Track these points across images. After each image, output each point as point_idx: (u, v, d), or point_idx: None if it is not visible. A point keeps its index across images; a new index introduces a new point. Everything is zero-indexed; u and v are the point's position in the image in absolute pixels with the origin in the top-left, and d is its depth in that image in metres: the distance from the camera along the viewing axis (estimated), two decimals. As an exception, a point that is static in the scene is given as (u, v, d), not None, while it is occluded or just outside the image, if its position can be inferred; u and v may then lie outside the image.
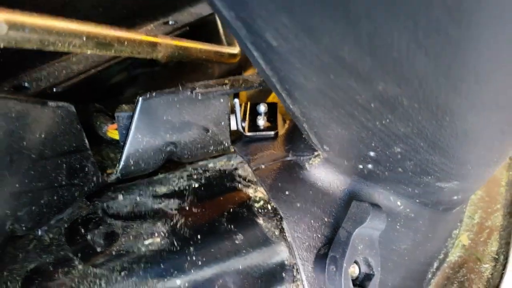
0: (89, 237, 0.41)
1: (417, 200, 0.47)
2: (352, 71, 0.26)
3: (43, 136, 0.38)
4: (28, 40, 0.31)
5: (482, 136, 0.32)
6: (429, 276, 0.58)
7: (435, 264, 0.57)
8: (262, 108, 0.51)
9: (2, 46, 0.30)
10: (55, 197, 0.41)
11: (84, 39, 0.35)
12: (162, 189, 0.45)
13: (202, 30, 0.63)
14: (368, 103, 0.29)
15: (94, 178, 0.44)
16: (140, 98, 0.43)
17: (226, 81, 0.46)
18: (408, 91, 0.26)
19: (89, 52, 0.36)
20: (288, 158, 0.47)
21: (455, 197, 0.46)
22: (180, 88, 0.44)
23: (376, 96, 0.28)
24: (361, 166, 0.41)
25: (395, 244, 0.47)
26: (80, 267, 0.38)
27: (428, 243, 0.53)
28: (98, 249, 0.40)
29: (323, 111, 0.32)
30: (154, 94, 0.43)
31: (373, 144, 0.35)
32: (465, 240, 0.67)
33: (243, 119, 0.51)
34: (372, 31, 0.22)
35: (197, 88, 0.45)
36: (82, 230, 0.41)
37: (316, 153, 0.45)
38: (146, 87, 0.70)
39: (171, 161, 0.49)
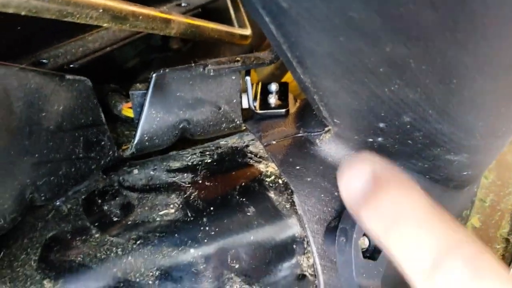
0: (105, 207, 0.42)
1: (427, 176, 0.47)
2: (362, 32, 0.27)
3: (61, 108, 0.39)
4: (47, 9, 0.32)
5: (489, 101, 0.33)
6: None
7: (446, 244, 0.58)
8: (273, 87, 0.52)
9: (23, 14, 0.31)
10: (73, 169, 0.42)
11: (101, 11, 0.36)
12: (175, 164, 0.47)
13: (214, 13, 0.64)
14: (377, 67, 0.30)
15: (110, 152, 0.45)
16: (154, 74, 0.44)
17: (238, 58, 0.47)
18: (415, 51, 0.27)
19: (105, 25, 0.37)
20: (299, 135, 0.48)
21: (465, 173, 0.46)
22: (193, 65, 0.46)
23: (385, 59, 0.29)
24: (371, 140, 0.42)
25: (405, 220, 0.48)
26: (97, 235, 0.40)
27: (438, 221, 0.53)
28: (115, 219, 0.41)
29: (334, 79, 0.33)
30: (167, 70, 0.45)
31: (382, 114, 0.36)
32: (476, 222, 0.67)
33: (255, 98, 0.52)
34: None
35: (209, 65, 0.46)
36: (99, 201, 0.43)
37: (326, 129, 0.46)
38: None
39: (184, 139, 0.51)
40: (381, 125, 0.38)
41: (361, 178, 0.26)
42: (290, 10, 0.27)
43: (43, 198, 0.40)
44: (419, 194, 0.25)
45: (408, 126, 0.37)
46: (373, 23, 0.26)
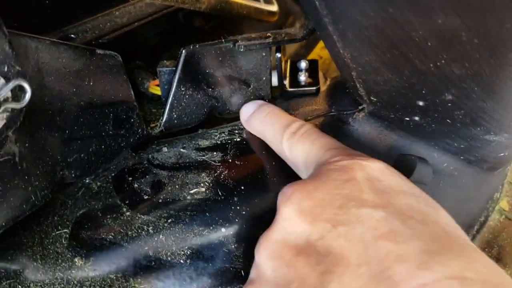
0: (136, 185, 0.41)
1: (462, 157, 0.46)
2: (413, 2, 0.25)
3: (91, 84, 0.39)
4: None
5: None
6: (469, 238, 0.57)
7: (476, 227, 0.57)
8: (303, 64, 0.51)
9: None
10: (103, 146, 0.41)
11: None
12: (204, 143, 0.46)
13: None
14: (425, 40, 0.28)
15: (139, 130, 0.44)
16: (184, 50, 0.43)
17: (269, 34, 0.46)
18: (469, 23, 0.26)
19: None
20: (331, 113, 0.47)
21: (502, 154, 0.45)
22: (223, 40, 0.44)
23: (434, 32, 0.27)
24: (407, 119, 0.40)
25: (437, 202, 0.47)
26: (128, 213, 0.39)
27: (470, 203, 0.52)
28: (145, 197, 0.40)
29: (376, 53, 0.32)
30: (197, 46, 0.43)
31: (423, 92, 0.35)
32: (505, 205, 0.66)
33: (284, 76, 0.51)
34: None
35: (239, 41, 0.45)
36: (129, 179, 0.42)
37: (360, 108, 0.45)
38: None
39: (212, 118, 0.50)
40: (421, 103, 0.37)
41: (253, 105, 0.47)
42: (338, -21, 0.25)
43: (73, 175, 0.39)
44: (273, 109, 0.45)
45: (449, 104, 0.35)
46: (426, -8, 0.24)
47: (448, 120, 0.38)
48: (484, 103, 0.34)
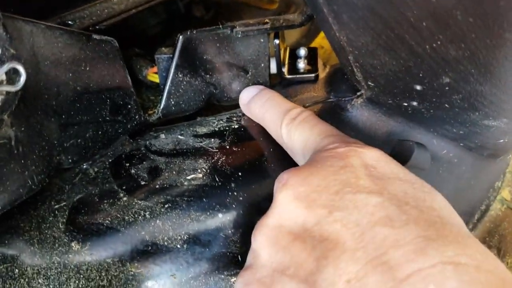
0: (133, 171, 0.41)
1: (461, 144, 0.46)
2: (406, -19, 0.25)
3: (88, 69, 0.39)
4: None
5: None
6: (470, 227, 0.57)
7: (476, 216, 0.56)
8: (302, 51, 0.50)
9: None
10: (100, 132, 0.41)
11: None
12: (202, 129, 0.46)
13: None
14: (420, 21, 0.28)
15: (137, 116, 0.44)
16: (181, 36, 0.43)
17: (267, 20, 0.46)
18: (464, 2, 0.25)
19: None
20: (329, 100, 0.47)
21: (502, 140, 0.45)
22: (220, 26, 0.44)
23: (429, 12, 0.27)
24: (405, 104, 0.40)
25: (437, 189, 0.47)
26: (125, 199, 0.39)
27: (470, 190, 0.52)
28: (142, 183, 0.40)
29: (372, 35, 0.32)
30: (194, 32, 0.43)
31: (420, 75, 0.34)
32: (506, 195, 0.66)
33: (283, 63, 0.51)
34: None
35: (237, 27, 0.44)
36: (126, 165, 0.42)
37: (358, 94, 0.44)
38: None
39: (210, 105, 0.50)
40: (418, 87, 0.37)
41: (253, 90, 0.47)
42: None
43: (70, 160, 0.39)
44: (274, 94, 0.45)
45: (447, 88, 0.35)
46: (420, -30, 0.24)
47: (446, 105, 0.38)
48: (481, 87, 0.34)
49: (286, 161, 0.43)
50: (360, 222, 0.28)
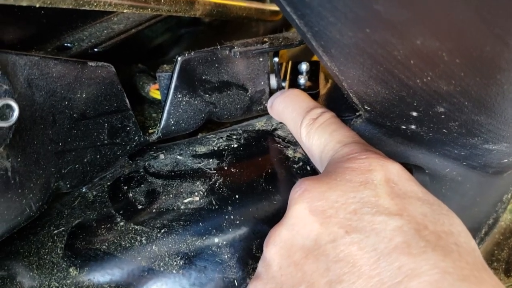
0: (130, 195, 0.42)
1: (464, 163, 0.45)
2: (389, 25, 0.24)
3: (84, 96, 0.39)
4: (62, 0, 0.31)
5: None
6: (477, 241, 0.56)
7: (484, 230, 0.55)
8: (304, 67, 0.50)
9: (37, 6, 0.30)
10: (98, 156, 0.42)
11: (120, -3, 0.35)
12: (201, 149, 0.46)
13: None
14: (408, 59, 0.27)
15: (136, 138, 0.45)
16: (179, 58, 0.43)
17: (265, 39, 0.45)
18: (449, 45, 0.25)
19: (125, 11, 0.36)
20: (329, 118, 0.46)
21: (505, 160, 0.44)
22: (219, 47, 0.44)
23: (415, 52, 0.26)
24: (404, 127, 0.39)
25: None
26: (121, 223, 0.40)
27: (475, 208, 0.51)
28: (139, 207, 0.41)
29: (362, 68, 0.31)
30: (192, 53, 0.43)
31: (415, 104, 0.34)
32: (517, 206, 0.64)
33: (284, 79, 0.50)
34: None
35: (235, 47, 0.44)
36: (124, 188, 0.42)
37: (357, 114, 0.44)
38: (190, 47, 0.70)
39: (211, 122, 0.50)
40: (414, 114, 0.36)
41: (280, 91, 0.46)
42: (312, 1, 0.25)
43: (68, 185, 0.40)
44: (299, 92, 0.45)
45: (443, 116, 0.34)
46: (400, 16, 0.23)
47: (444, 130, 0.37)
48: (477, 117, 0.33)
49: (284, 183, 0.43)
50: (377, 247, 0.28)
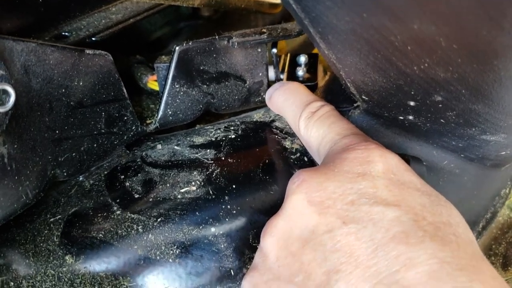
0: (127, 184, 0.42)
1: (462, 155, 0.45)
2: (386, 8, 0.24)
3: (81, 84, 0.39)
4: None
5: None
6: (475, 235, 0.56)
7: (481, 224, 0.55)
8: (302, 59, 0.50)
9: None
10: (95, 145, 0.42)
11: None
12: (199, 139, 0.46)
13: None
14: (405, 45, 0.27)
15: (133, 127, 0.44)
16: (177, 48, 0.43)
17: (264, 29, 0.45)
18: (445, 30, 0.25)
19: (123, -1, 0.36)
20: (327, 110, 0.46)
21: (503, 152, 0.44)
22: (217, 37, 0.44)
23: (412, 37, 0.26)
24: (401, 117, 0.39)
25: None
26: (118, 212, 0.40)
27: (473, 201, 0.51)
28: (136, 196, 0.41)
29: (359, 55, 0.31)
30: (190, 43, 0.43)
31: (412, 93, 0.34)
32: (516, 201, 0.64)
33: (282, 70, 0.50)
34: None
35: (233, 37, 0.44)
36: (121, 177, 0.42)
37: (355, 105, 0.44)
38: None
39: (209, 114, 0.50)
40: (412, 103, 0.36)
41: (279, 83, 0.46)
42: (308, -15, 0.25)
43: (65, 173, 0.40)
44: (298, 86, 0.44)
45: (440, 105, 0.34)
46: (397, 0, 0.23)
47: (442, 120, 0.37)
48: (474, 105, 0.33)
49: (282, 173, 0.43)
50: (374, 237, 0.28)
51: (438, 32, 0.25)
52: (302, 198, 0.31)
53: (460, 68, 0.28)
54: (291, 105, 0.43)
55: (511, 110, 0.34)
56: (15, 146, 0.34)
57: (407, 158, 0.39)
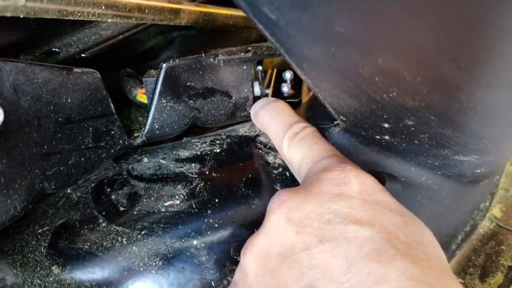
0: (113, 197, 0.43)
1: (439, 172, 0.46)
2: (351, 44, 0.26)
3: (69, 101, 0.40)
4: (46, 10, 0.32)
5: (494, 111, 0.31)
6: (453, 247, 0.57)
7: (460, 236, 0.57)
8: (288, 75, 0.51)
9: (21, 17, 0.32)
10: (82, 159, 0.43)
11: (103, 8, 0.36)
12: (184, 153, 0.47)
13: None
14: (372, 76, 0.29)
15: (120, 141, 0.46)
16: (164, 65, 0.44)
17: (249, 48, 0.46)
18: (409, 65, 0.26)
19: (109, 20, 0.37)
20: (309, 126, 0.47)
21: (478, 171, 0.45)
22: (203, 55, 0.45)
23: (379, 70, 0.28)
24: (378, 137, 0.41)
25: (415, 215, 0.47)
26: (104, 224, 0.41)
27: (451, 215, 0.52)
28: (121, 209, 0.42)
29: (332, 82, 0.33)
30: (177, 60, 0.45)
31: (385, 116, 0.35)
32: (497, 212, 0.66)
33: (268, 86, 0.52)
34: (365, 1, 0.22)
35: (219, 55, 0.46)
36: (107, 190, 0.44)
37: (335, 122, 0.45)
38: (181, 51, 0.71)
39: (196, 127, 0.51)
40: (386, 125, 0.37)
41: (264, 101, 0.48)
42: (279, 21, 0.26)
43: (53, 186, 0.41)
44: (283, 106, 0.46)
45: (413, 129, 0.36)
46: (361, 37, 0.25)
47: (416, 141, 0.39)
48: (444, 130, 0.34)
49: (264, 188, 0.44)
50: (348, 254, 0.29)
51: (402, 67, 0.27)
52: (281, 217, 0.33)
53: (426, 98, 0.30)
54: (275, 125, 0.44)
55: (479, 135, 0.35)
56: (4, 161, 0.36)
57: (383, 176, 0.40)
